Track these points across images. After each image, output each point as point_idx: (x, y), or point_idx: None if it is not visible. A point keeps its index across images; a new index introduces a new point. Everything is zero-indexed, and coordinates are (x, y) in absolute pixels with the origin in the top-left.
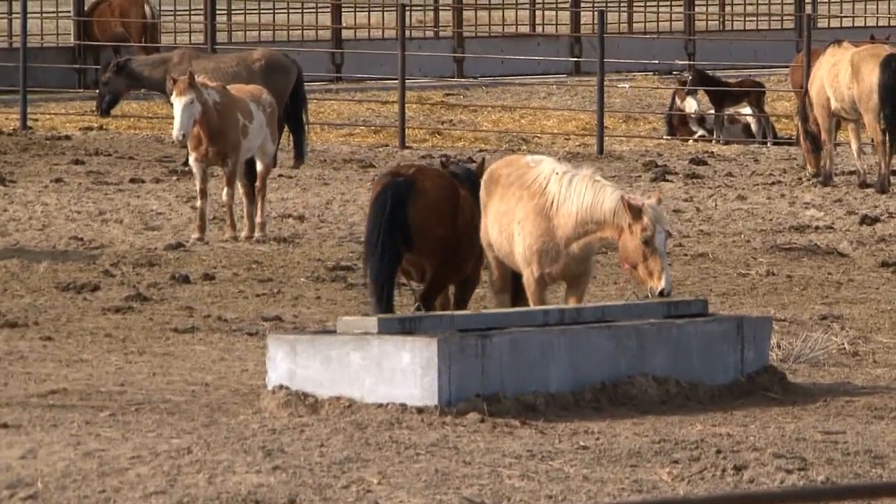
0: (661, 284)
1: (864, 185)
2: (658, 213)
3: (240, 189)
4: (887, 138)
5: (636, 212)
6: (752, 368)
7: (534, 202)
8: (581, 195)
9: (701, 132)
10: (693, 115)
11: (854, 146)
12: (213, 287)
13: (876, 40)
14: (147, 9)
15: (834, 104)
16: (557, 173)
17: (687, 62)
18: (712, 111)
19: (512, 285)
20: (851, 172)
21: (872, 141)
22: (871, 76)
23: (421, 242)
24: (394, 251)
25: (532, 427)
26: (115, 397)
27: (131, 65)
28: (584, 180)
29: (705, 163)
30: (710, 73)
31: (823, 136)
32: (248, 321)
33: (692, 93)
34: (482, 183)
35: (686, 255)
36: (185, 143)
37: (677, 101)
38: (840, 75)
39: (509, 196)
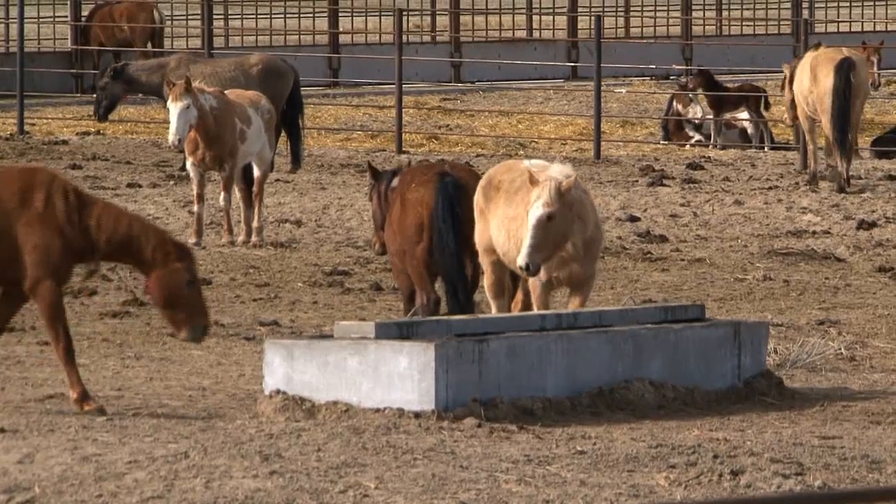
0: (518, 258)
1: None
2: (547, 189)
3: (237, 194)
4: (841, 140)
5: (534, 184)
6: (749, 373)
7: None
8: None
9: (697, 137)
10: (695, 121)
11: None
12: (210, 292)
13: (868, 46)
14: (156, 14)
15: (807, 107)
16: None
17: (685, 66)
18: (710, 116)
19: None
20: (849, 177)
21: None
22: (827, 79)
23: (467, 239)
24: (461, 250)
25: (529, 432)
26: (113, 402)
27: (129, 70)
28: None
29: (702, 167)
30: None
31: (807, 136)
32: (245, 326)
33: (695, 98)
34: (479, 188)
35: (683, 259)
36: (181, 147)
37: (677, 106)
38: (804, 79)
39: (517, 201)
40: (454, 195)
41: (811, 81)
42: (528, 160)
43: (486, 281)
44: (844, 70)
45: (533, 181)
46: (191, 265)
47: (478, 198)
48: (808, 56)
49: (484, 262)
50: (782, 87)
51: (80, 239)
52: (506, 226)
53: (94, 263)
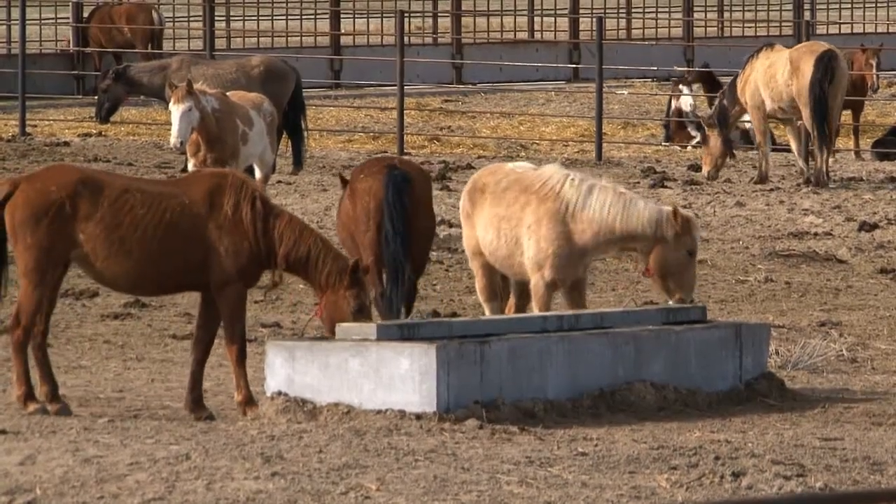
0: (692, 294)
1: (808, 182)
2: (697, 225)
3: None
4: (819, 132)
5: (685, 224)
6: (750, 375)
7: (546, 206)
8: (607, 206)
9: (699, 138)
10: (687, 111)
11: (794, 146)
12: None
13: (866, 49)
14: (155, 15)
15: (770, 105)
16: (573, 179)
17: (686, 68)
18: (701, 108)
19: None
20: (850, 179)
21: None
22: (808, 72)
23: (413, 231)
24: (405, 238)
25: (530, 433)
26: (114, 403)
27: (130, 71)
28: (608, 192)
29: None
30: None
31: (759, 138)
32: (247, 327)
33: (686, 86)
34: (465, 193)
35: None
36: (183, 150)
37: (673, 102)
38: (778, 75)
39: (507, 201)
40: (402, 186)
41: (790, 75)
42: (512, 163)
43: (478, 284)
44: (825, 62)
45: (683, 219)
46: (361, 293)
47: (463, 203)
48: (776, 54)
49: (473, 265)
50: (705, 139)
51: (263, 245)
52: (495, 225)
53: (276, 276)
